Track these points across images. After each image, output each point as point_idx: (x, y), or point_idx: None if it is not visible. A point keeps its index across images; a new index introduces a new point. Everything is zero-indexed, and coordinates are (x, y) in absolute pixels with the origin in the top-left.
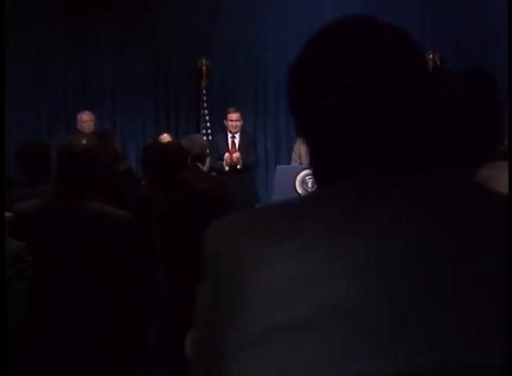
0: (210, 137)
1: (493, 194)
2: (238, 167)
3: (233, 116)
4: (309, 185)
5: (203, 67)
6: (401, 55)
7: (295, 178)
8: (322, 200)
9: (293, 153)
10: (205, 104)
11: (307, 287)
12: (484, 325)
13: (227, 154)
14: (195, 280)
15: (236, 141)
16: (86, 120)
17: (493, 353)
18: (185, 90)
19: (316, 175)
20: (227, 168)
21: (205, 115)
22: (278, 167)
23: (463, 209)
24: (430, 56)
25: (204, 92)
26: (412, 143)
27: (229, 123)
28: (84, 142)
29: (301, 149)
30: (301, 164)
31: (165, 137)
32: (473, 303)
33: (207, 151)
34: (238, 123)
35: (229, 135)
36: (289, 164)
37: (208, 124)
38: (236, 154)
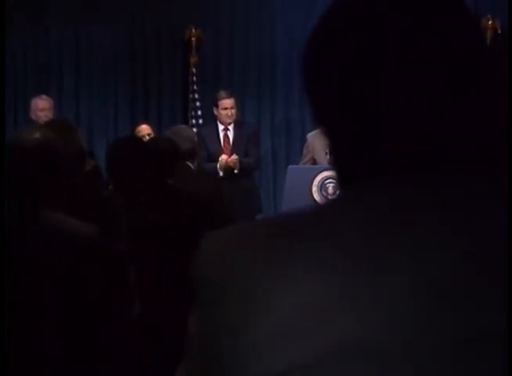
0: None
1: None
2: (235, 171)
3: (226, 102)
4: (330, 190)
5: (193, 39)
6: (416, 34)
7: (311, 181)
8: (343, 211)
9: (304, 150)
10: (195, 86)
11: (322, 319)
12: None
13: (223, 156)
14: (181, 310)
15: (230, 135)
16: (43, 107)
17: None
18: (168, 68)
19: (340, 177)
20: (221, 173)
21: (195, 101)
22: (289, 167)
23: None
24: (489, 22)
25: (194, 70)
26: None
27: (221, 112)
28: (39, 135)
29: (314, 144)
30: (314, 163)
31: (144, 129)
32: None
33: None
34: (233, 111)
35: (221, 128)
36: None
37: (199, 113)
38: (233, 158)
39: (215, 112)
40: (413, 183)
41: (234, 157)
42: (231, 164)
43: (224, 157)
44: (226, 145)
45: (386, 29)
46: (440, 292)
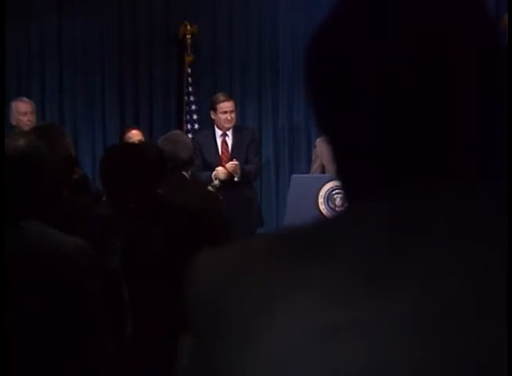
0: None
1: None
2: (235, 179)
3: (226, 106)
4: (337, 202)
5: (188, 36)
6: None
7: (318, 192)
8: (351, 228)
9: (313, 156)
10: (190, 88)
11: (326, 345)
12: None
13: (220, 168)
14: (175, 335)
15: (229, 141)
16: (25, 111)
17: None
18: (161, 68)
19: (345, 188)
20: (217, 184)
21: (190, 104)
22: (293, 176)
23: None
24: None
25: (189, 70)
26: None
27: (220, 116)
28: (23, 142)
29: (322, 149)
30: (323, 172)
31: (134, 134)
32: None
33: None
34: (232, 115)
35: (218, 133)
36: (309, 172)
37: (195, 117)
38: (233, 163)
39: (213, 116)
40: (422, 197)
41: (234, 163)
42: (230, 169)
43: (220, 169)
44: (224, 152)
45: (394, 33)
46: (449, 314)
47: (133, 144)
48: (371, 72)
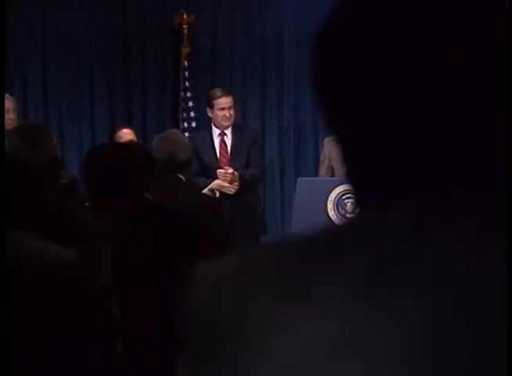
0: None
1: None
2: (231, 191)
3: (223, 101)
4: (348, 208)
5: (184, 26)
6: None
7: (327, 196)
8: (362, 237)
9: (321, 157)
10: (186, 83)
11: (327, 363)
12: None
13: (221, 171)
14: (170, 353)
15: (228, 141)
16: (6, 108)
17: None
18: (155, 61)
19: (356, 192)
20: (216, 190)
21: (186, 100)
22: (299, 180)
23: None
24: None
25: (185, 64)
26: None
27: (218, 113)
28: (5, 143)
29: (331, 150)
30: (333, 174)
31: (125, 134)
32: None
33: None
34: (231, 112)
35: (216, 133)
36: (316, 174)
37: (192, 114)
38: (227, 173)
39: (210, 114)
40: (431, 204)
41: (228, 171)
42: (225, 181)
43: (222, 172)
44: (223, 153)
45: (394, 33)
46: (454, 328)
47: (117, 144)
48: (371, 72)
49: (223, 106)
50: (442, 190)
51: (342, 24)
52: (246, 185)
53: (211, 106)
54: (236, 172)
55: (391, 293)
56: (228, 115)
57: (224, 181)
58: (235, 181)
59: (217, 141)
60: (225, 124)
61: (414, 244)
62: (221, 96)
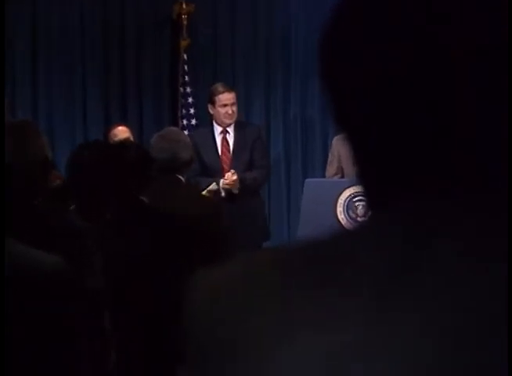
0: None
1: None
2: (234, 191)
3: (225, 97)
4: (359, 211)
5: (183, 16)
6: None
7: (336, 199)
8: (373, 242)
9: (330, 157)
10: (186, 78)
11: (334, 372)
12: None
13: (228, 174)
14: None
15: (230, 139)
16: None
17: None
18: (152, 54)
19: (367, 195)
20: (222, 192)
21: (186, 96)
22: (307, 181)
23: None
24: None
25: (185, 57)
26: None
27: (220, 110)
28: None
29: (341, 149)
30: (342, 175)
31: (120, 132)
32: None
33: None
34: (233, 108)
35: (218, 131)
36: (325, 175)
37: (192, 111)
38: (233, 177)
39: (211, 111)
40: (447, 207)
41: (233, 177)
42: (231, 182)
43: (229, 176)
44: (225, 152)
45: (394, 33)
46: (459, 334)
47: (108, 142)
48: (371, 72)
49: (225, 102)
50: (442, 190)
51: (342, 24)
52: (248, 188)
53: (213, 103)
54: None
55: (400, 299)
56: (230, 112)
57: (227, 186)
58: (237, 186)
59: (218, 139)
60: (228, 121)
61: (414, 244)
62: (223, 92)
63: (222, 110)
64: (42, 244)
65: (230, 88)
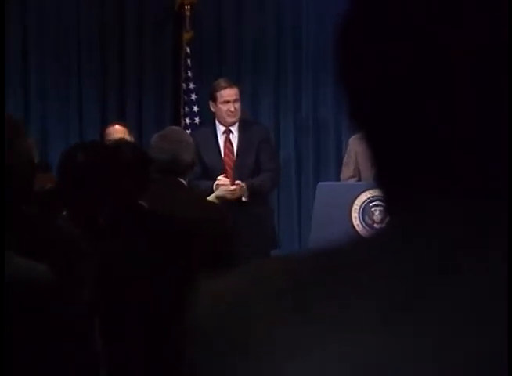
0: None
1: None
2: (243, 199)
3: (227, 93)
4: (376, 217)
5: (186, 7)
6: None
7: (351, 204)
8: (391, 252)
9: (345, 158)
10: (189, 73)
11: None
12: None
13: (222, 178)
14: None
15: (234, 140)
16: None
17: None
18: (153, 48)
19: (387, 199)
20: (213, 196)
21: (189, 92)
22: (320, 184)
23: None
24: None
25: (188, 51)
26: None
27: (221, 107)
28: None
29: (358, 150)
30: (359, 179)
31: (116, 131)
32: None
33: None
34: (236, 105)
35: (220, 130)
36: (339, 178)
37: (195, 109)
38: (238, 186)
39: (213, 108)
40: (467, 215)
41: (239, 186)
42: (237, 191)
43: (222, 179)
44: (228, 153)
45: (394, 33)
46: (457, 329)
47: (102, 142)
48: (371, 72)
49: (227, 98)
50: (442, 190)
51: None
52: (254, 194)
53: (214, 99)
54: (242, 184)
55: (416, 312)
56: (233, 109)
57: (226, 194)
58: (242, 194)
59: (221, 139)
60: (230, 120)
61: (433, 256)
62: (225, 87)
63: (224, 107)
64: (30, 252)
65: (233, 83)
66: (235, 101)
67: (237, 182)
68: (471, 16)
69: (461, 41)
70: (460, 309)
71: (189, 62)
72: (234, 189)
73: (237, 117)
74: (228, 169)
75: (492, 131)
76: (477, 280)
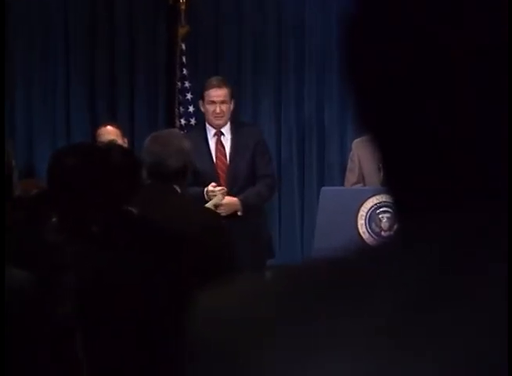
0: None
1: None
2: (238, 213)
3: (214, 94)
4: (384, 224)
5: (181, 1)
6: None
7: (357, 210)
8: (399, 261)
9: (349, 162)
10: (184, 71)
11: None
12: None
13: (212, 186)
14: None
15: (226, 143)
16: None
17: None
18: (146, 44)
19: (396, 204)
20: (210, 204)
21: (184, 91)
22: (323, 189)
23: None
24: None
25: (183, 47)
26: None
27: (207, 107)
28: None
29: (361, 154)
30: (364, 185)
31: (107, 132)
32: None
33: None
34: (223, 107)
35: (211, 132)
36: (343, 183)
37: (191, 109)
38: (232, 201)
39: (202, 108)
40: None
41: (232, 201)
42: (230, 206)
43: (213, 187)
44: (220, 157)
45: (394, 33)
46: (457, 329)
47: (91, 145)
48: (371, 72)
49: (213, 99)
50: (442, 191)
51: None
52: (253, 206)
53: (203, 99)
54: (235, 199)
55: (426, 326)
56: (218, 111)
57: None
58: (237, 210)
59: (212, 142)
60: (216, 122)
61: (445, 267)
62: (212, 87)
63: (210, 108)
64: (12, 259)
65: (223, 83)
66: (222, 102)
67: (230, 198)
68: (471, 16)
69: (461, 41)
70: (460, 309)
71: (184, 59)
72: (227, 204)
73: (224, 119)
74: (220, 173)
75: (492, 131)
76: (477, 281)
